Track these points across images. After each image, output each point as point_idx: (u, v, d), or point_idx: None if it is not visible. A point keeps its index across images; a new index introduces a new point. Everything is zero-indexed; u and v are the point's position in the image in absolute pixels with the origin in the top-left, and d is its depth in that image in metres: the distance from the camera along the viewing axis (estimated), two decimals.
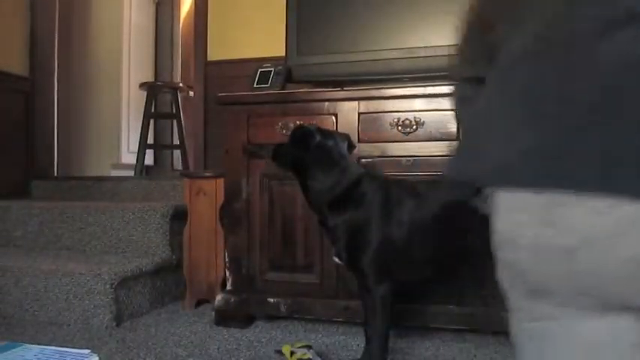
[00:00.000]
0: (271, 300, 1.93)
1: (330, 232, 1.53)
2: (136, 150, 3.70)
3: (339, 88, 1.93)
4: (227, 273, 2.02)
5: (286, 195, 1.91)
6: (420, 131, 1.80)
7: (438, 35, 1.95)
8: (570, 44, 0.60)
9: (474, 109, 0.73)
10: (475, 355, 1.71)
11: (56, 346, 1.68)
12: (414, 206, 1.48)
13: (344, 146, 1.53)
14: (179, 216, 2.35)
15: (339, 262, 1.54)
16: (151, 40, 4.67)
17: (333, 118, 1.89)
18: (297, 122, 1.91)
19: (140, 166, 3.67)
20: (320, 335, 1.89)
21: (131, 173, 3.77)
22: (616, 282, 0.58)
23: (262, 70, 2.15)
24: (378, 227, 1.47)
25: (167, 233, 2.35)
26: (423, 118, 1.80)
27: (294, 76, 2.11)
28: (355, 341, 1.80)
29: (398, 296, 1.53)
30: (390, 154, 1.82)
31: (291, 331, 1.95)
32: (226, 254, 2.03)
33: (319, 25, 2.10)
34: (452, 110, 1.76)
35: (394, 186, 1.54)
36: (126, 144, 4.23)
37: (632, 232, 0.55)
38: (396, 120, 1.82)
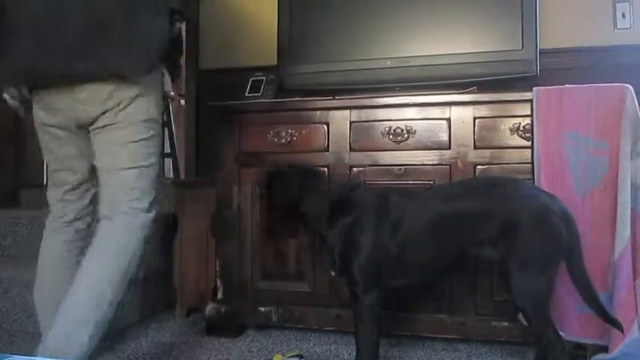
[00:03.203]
0: (263, 309, 1.92)
1: (325, 242, 1.55)
2: None
3: (330, 97, 1.93)
4: (218, 282, 2.00)
5: None
6: (411, 140, 1.81)
7: (430, 45, 1.98)
8: None
9: None
10: None
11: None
12: (407, 215, 1.49)
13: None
14: (170, 224, 2.33)
15: (332, 273, 1.56)
16: None
17: (325, 127, 1.89)
18: (289, 131, 1.92)
19: None
20: (312, 344, 1.88)
21: None
22: None
23: (254, 78, 2.15)
24: (370, 234, 1.47)
25: (158, 242, 2.34)
26: (414, 127, 1.81)
27: (286, 85, 2.12)
28: (347, 350, 1.79)
29: (389, 305, 1.54)
30: (381, 162, 1.83)
31: (282, 340, 1.94)
32: (217, 263, 2.02)
33: (311, 34, 2.11)
34: (442, 119, 1.79)
35: (387, 194, 1.54)
36: None
37: None
38: (387, 129, 1.83)
